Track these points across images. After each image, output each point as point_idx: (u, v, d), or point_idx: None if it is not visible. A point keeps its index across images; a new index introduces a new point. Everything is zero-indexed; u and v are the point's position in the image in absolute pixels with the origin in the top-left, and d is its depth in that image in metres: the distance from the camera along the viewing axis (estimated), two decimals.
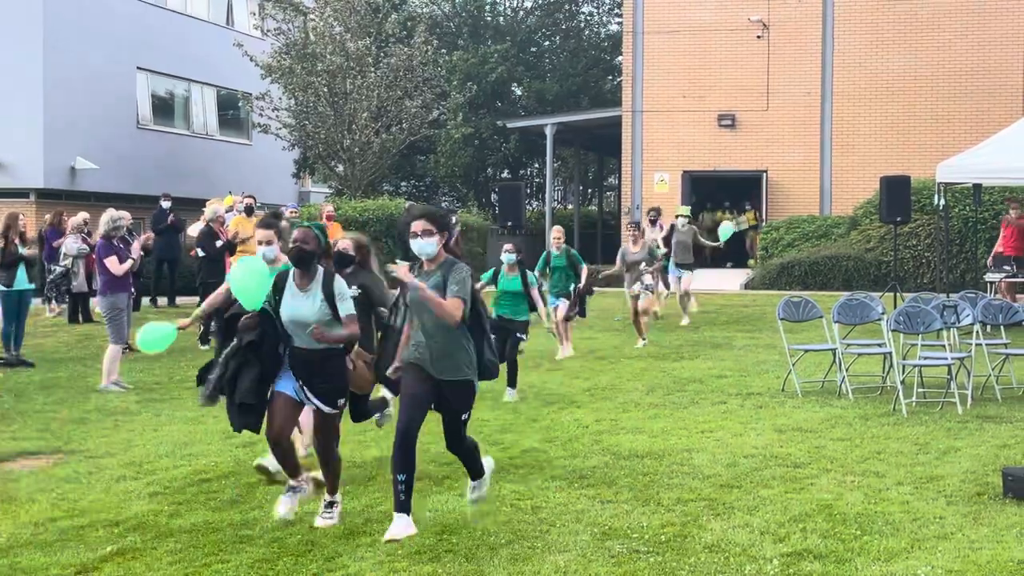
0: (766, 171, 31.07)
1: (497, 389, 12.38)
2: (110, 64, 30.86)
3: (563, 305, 14.89)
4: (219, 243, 16.93)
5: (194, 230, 20.39)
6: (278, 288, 7.07)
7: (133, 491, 8.19)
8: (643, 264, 16.38)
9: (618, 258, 17.06)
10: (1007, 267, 18.70)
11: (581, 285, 14.94)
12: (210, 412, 11.41)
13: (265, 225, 8.00)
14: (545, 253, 15.28)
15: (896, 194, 20.90)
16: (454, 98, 35.59)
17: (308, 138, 32.22)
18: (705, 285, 27.38)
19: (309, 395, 7.01)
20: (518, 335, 12.16)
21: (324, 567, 6.34)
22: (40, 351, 16.16)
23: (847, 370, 11.93)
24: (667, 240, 19.55)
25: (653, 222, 21.14)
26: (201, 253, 17.75)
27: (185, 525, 7.24)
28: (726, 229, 20.79)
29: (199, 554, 6.63)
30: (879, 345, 12.25)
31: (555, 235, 15.36)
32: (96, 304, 16.62)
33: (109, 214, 14.02)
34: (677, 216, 20.18)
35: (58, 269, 19.90)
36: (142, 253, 15.63)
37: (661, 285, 19.41)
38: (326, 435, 7.21)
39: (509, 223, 21.23)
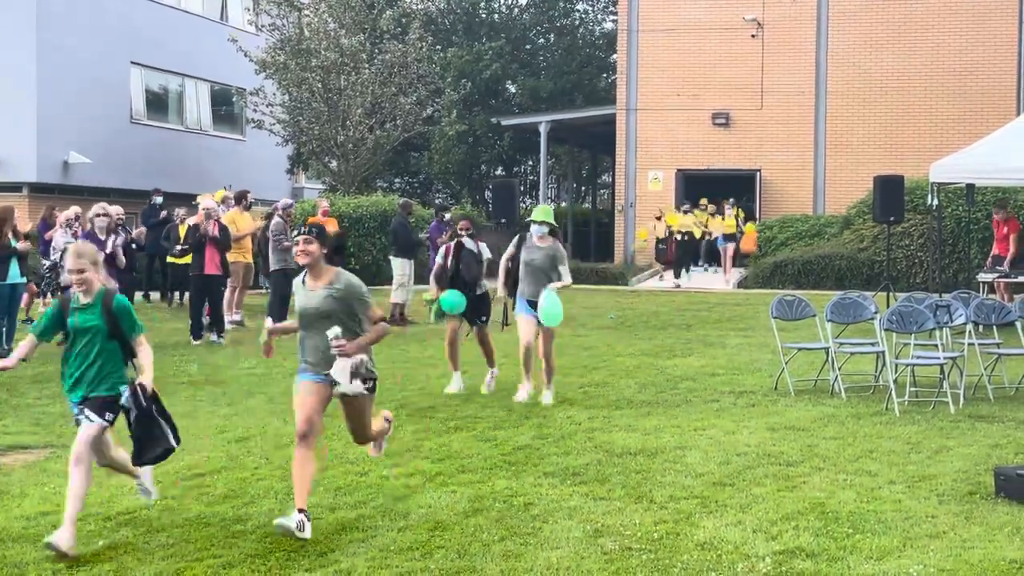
0: (760, 170, 31.13)
1: (479, 384, 12.39)
2: (103, 59, 30.81)
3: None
4: (196, 235, 16.82)
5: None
6: None
7: (125, 486, 8.16)
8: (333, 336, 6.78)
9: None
10: (1000, 268, 18.73)
11: (147, 385, 6.83)
12: (203, 408, 11.41)
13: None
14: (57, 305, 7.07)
15: (889, 194, 20.94)
16: (448, 95, 35.61)
17: (302, 134, 32.23)
18: (698, 284, 27.46)
19: None
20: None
21: (316, 563, 6.33)
22: None
23: (840, 369, 11.93)
24: (512, 258, 11.67)
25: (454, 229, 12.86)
26: (180, 245, 17.75)
27: (177, 520, 7.23)
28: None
29: (191, 549, 6.63)
30: (872, 344, 12.25)
31: (71, 263, 6.83)
32: None
33: (94, 208, 14.00)
34: (530, 222, 11.62)
35: (46, 263, 19.87)
36: (134, 246, 15.61)
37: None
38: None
39: (503, 220, 21.22)
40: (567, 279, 11.44)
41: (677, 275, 28.23)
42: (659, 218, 29.38)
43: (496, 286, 11.88)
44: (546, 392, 11.38)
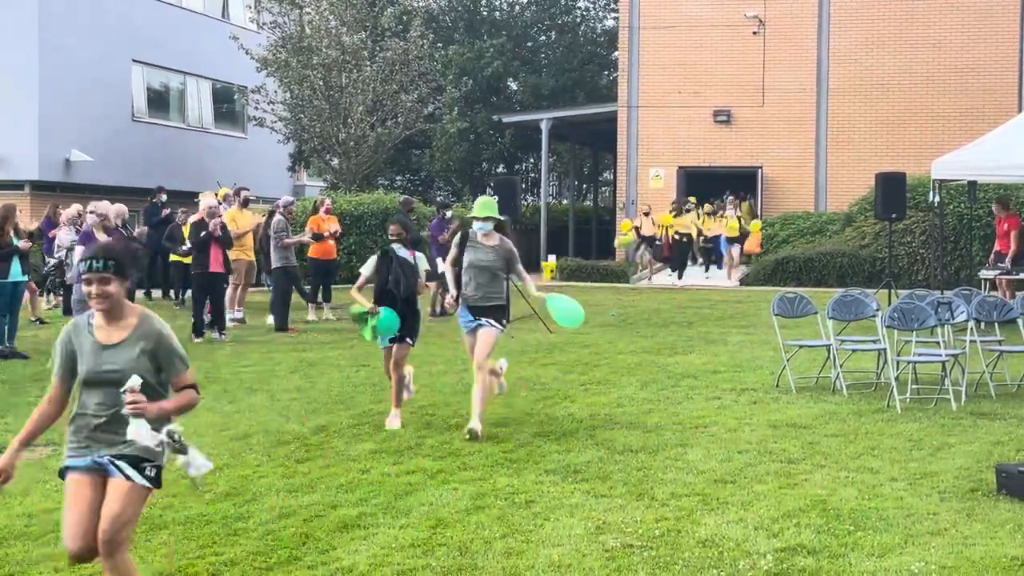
0: (761, 167, 31.09)
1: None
2: (105, 57, 30.82)
3: None
4: (202, 233, 16.78)
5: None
6: None
7: None
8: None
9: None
10: (1001, 264, 18.73)
11: None
12: (204, 405, 11.41)
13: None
14: None
15: (891, 191, 20.91)
16: (450, 92, 35.61)
17: (303, 132, 32.25)
18: (699, 281, 27.42)
19: None
20: None
21: (318, 559, 6.34)
22: (35, 343, 16.14)
23: (841, 366, 11.93)
24: (456, 260, 10.00)
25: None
26: (188, 244, 17.76)
27: (179, 517, 7.23)
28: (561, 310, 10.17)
29: (193, 546, 6.63)
30: (873, 341, 12.24)
31: None
32: None
33: (89, 206, 14.05)
34: (472, 219, 10.08)
35: (52, 261, 19.91)
36: (136, 244, 15.59)
37: None
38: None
39: (504, 217, 21.19)
40: (529, 283, 10.04)
41: (680, 275, 27.44)
42: (647, 214, 28.15)
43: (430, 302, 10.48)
44: (474, 418, 9.51)
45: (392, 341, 10.16)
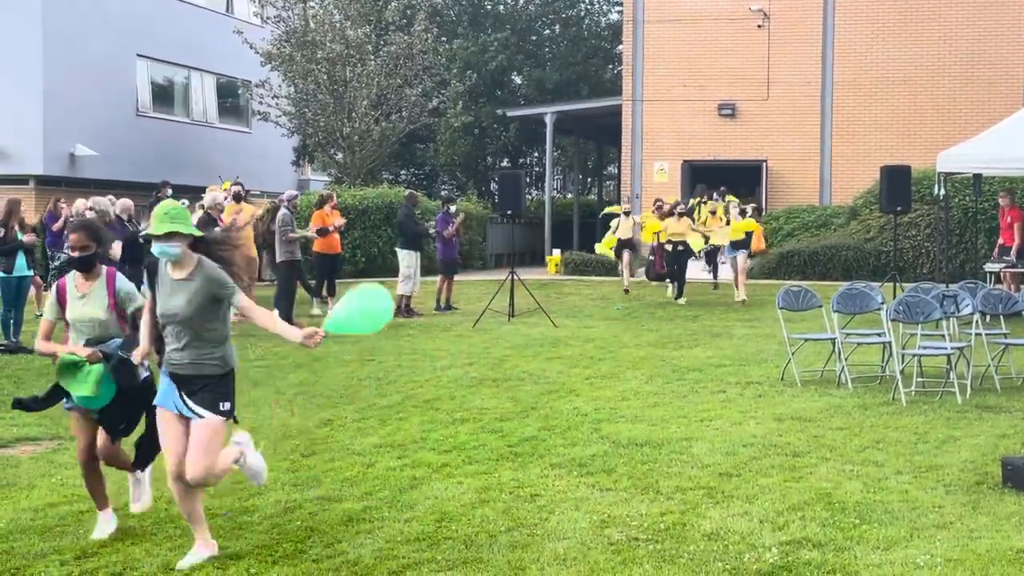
0: (766, 160, 31.05)
1: (493, 377, 12.40)
2: (109, 51, 30.83)
3: None
4: (217, 230, 16.82)
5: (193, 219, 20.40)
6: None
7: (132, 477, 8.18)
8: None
9: None
10: (1006, 258, 18.71)
11: None
12: None
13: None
14: None
15: (896, 184, 20.87)
16: (454, 86, 35.61)
17: (308, 126, 32.25)
18: (701, 275, 27.33)
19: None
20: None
21: (324, 553, 6.34)
22: None
23: (846, 359, 11.92)
24: (152, 305, 6.42)
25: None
26: None
27: None
28: None
29: None
30: (878, 335, 12.23)
31: None
32: None
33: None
34: (149, 237, 6.25)
35: (62, 256, 19.89)
36: (141, 240, 15.58)
37: None
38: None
39: (509, 211, 21.17)
40: (266, 319, 6.41)
41: (679, 294, 21.29)
42: (627, 213, 23.09)
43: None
44: (199, 544, 6.29)
45: (100, 423, 6.82)
